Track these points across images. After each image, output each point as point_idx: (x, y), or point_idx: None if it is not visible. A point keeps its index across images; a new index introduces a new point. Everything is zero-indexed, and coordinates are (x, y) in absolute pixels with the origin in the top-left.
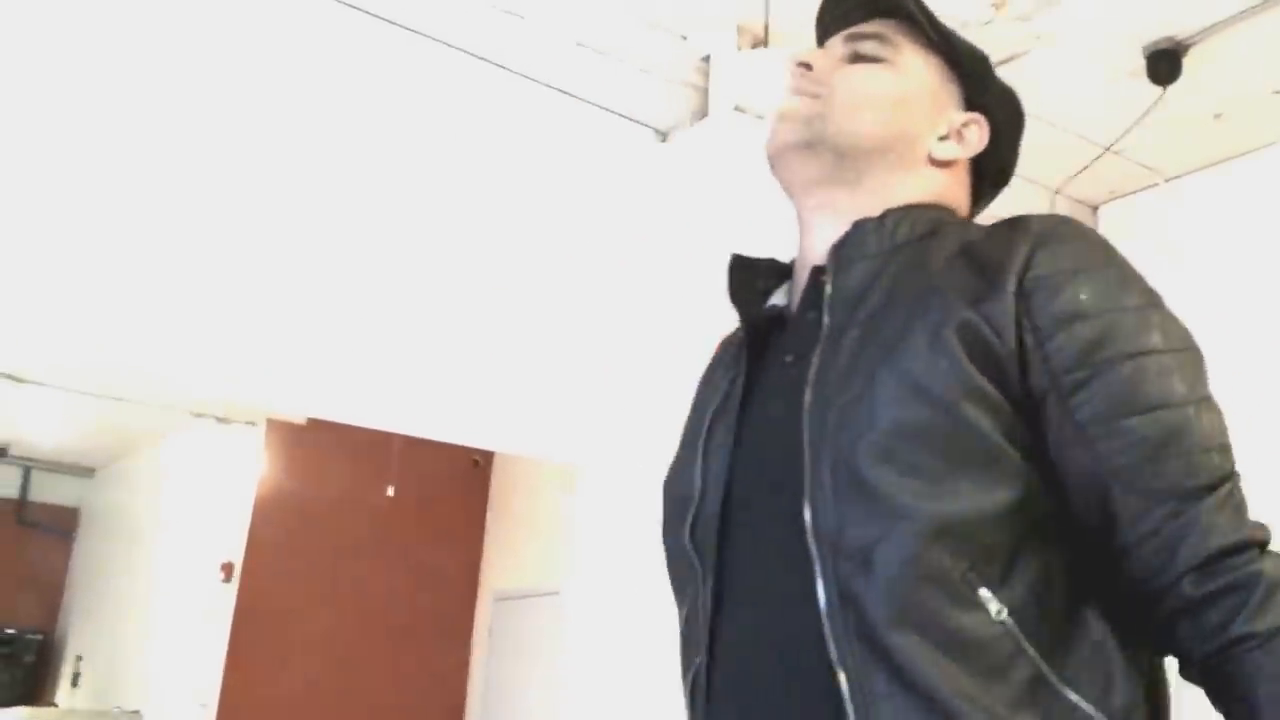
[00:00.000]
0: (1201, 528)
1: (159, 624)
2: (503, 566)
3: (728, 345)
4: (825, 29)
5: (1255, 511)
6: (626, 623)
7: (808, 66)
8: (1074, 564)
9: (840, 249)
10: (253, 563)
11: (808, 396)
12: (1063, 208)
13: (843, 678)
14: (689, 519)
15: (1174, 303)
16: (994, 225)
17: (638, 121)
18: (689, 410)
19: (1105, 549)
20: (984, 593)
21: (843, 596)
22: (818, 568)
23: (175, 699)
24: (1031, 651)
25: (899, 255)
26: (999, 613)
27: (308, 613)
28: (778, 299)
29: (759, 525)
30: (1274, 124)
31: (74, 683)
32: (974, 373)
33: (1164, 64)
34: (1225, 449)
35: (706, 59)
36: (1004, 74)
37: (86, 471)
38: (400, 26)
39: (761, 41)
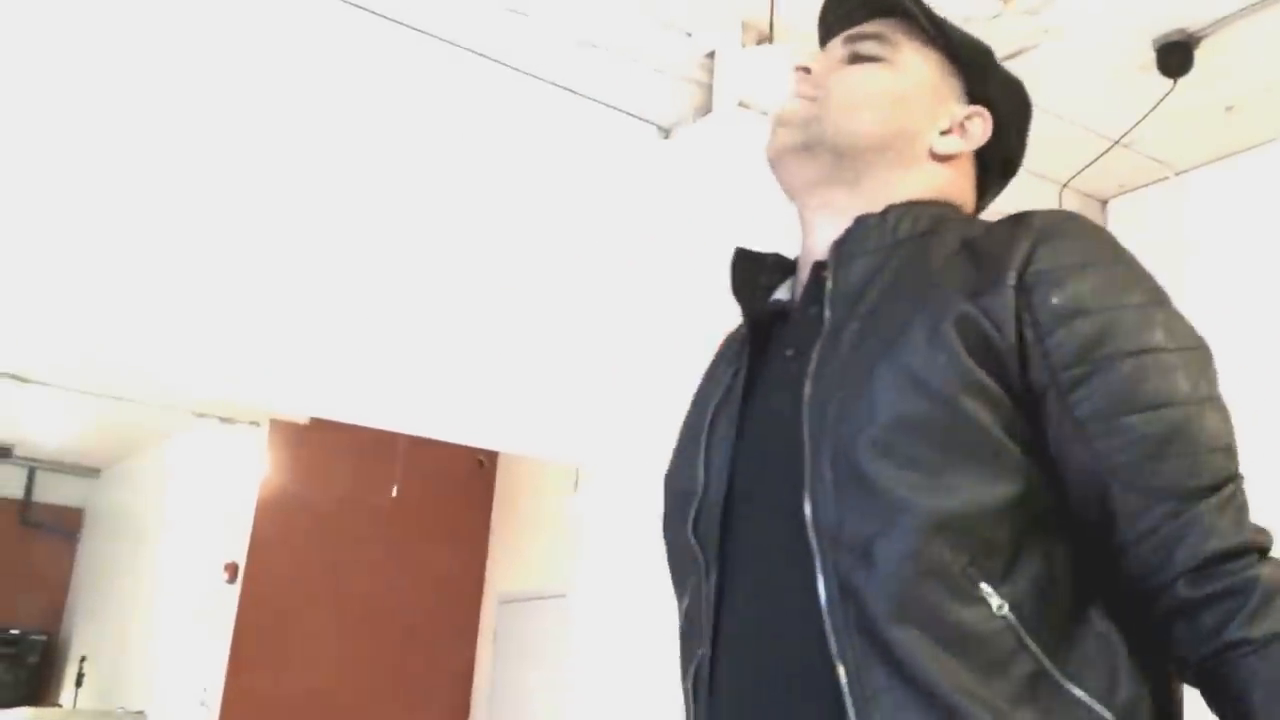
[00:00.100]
0: (1200, 529)
1: (163, 624)
2: (508, 569)
3: (731, 340)
4: (828, 30)
5: (1263, 510)
6: (633, 625)
7: (807, 70)
8: (1077, 559)
9: (842, 245)
10: (256, 563)
11: (808, 390)
12: (1071, 202)
13: (842, 671)
14: (692, 512)
15: (1184, 297)
16: (998, 221)
17: (641, 118)
18: (690, 404)
19: (1105, 545)
20: (985, 587)
21: (843, 590)
22: (818, 561)
23: (179, 699)
24: (1033, 647)
25: (900, 251)
26: (1000, 607)
27: (311, 613)
28: (781, 294)
29: (761, 518)
30: None
31: (78, 683)
32: (973, 366)
33: (1175, 56)
34: (1230, 450)
35: (711, 55)
36: (1012, 68)
37: (91, 472)
38: (404, 25)
39: (766, 38)
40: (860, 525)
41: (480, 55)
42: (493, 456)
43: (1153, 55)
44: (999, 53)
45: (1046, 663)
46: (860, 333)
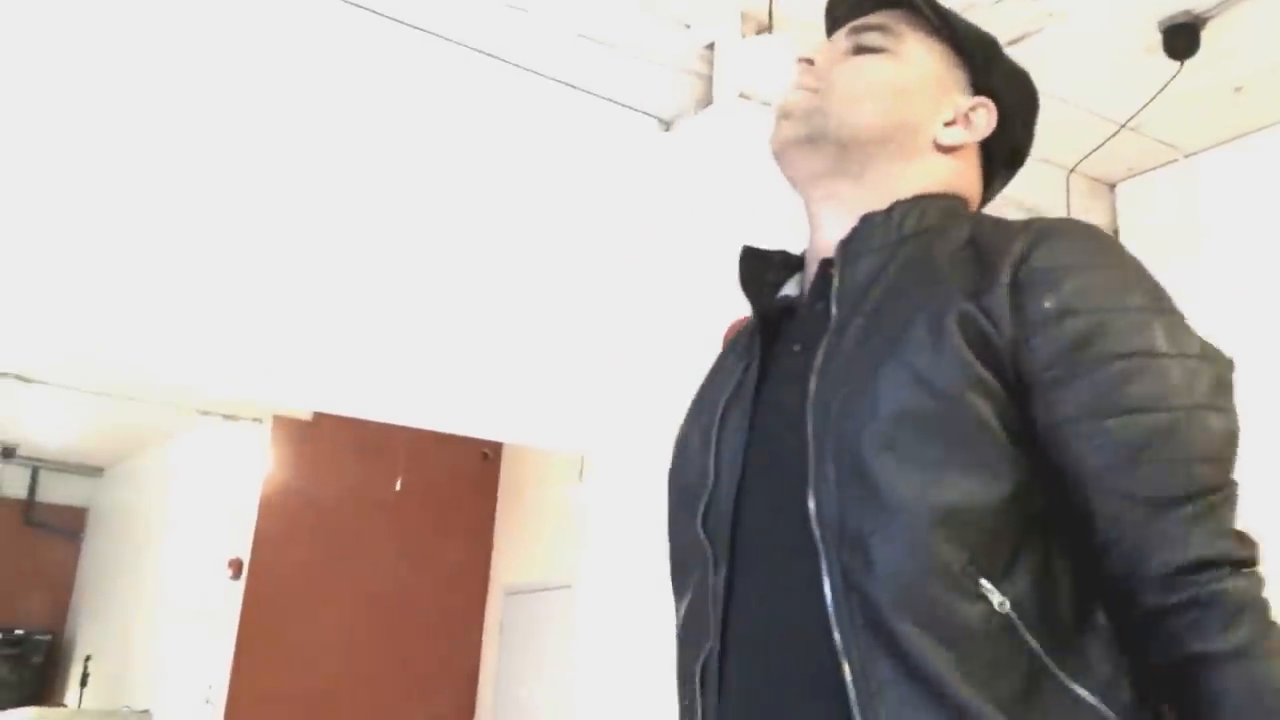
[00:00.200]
0: (1170, 539)
1: (167, 622)
2: (513, 560)
3: (741, 332)
4: (834, 22)
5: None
6: (639, 616)
7: (810, 62)
8: (1078, 558)
9: (849, 244)
10: (260, 560)
11: (812, 386)
12: (1079, 187)
13: (846, 667)
14: (701, 506)
15: (1199, 279)
16: (1005, 220)
17: (642, 111)
18: (695, 395)
19: (1089, 545)
20: (985, 584)
21: (847, 586)
22: (822, 557)
23: (185, 697)
24: (1035, 645)
25: (905, 247)
26: (1001, 605)
27: (316, 608)
28: (789, 289)
29: (768, 514)
30: None
31: (83, 682)
32: (974, 363)
33: (1181, 38)
34: (1217, 461)
35: (710, 46)
36: (1016, 53)
37: (94, 471)
38: (403, 24)
39: (766, 28)
40: (862, 521)
41: (480, 52)
42: (497, 448)
43: (1158, 37)
44: (1003, 37)
45: (1048, 661)
46: (864, 329)
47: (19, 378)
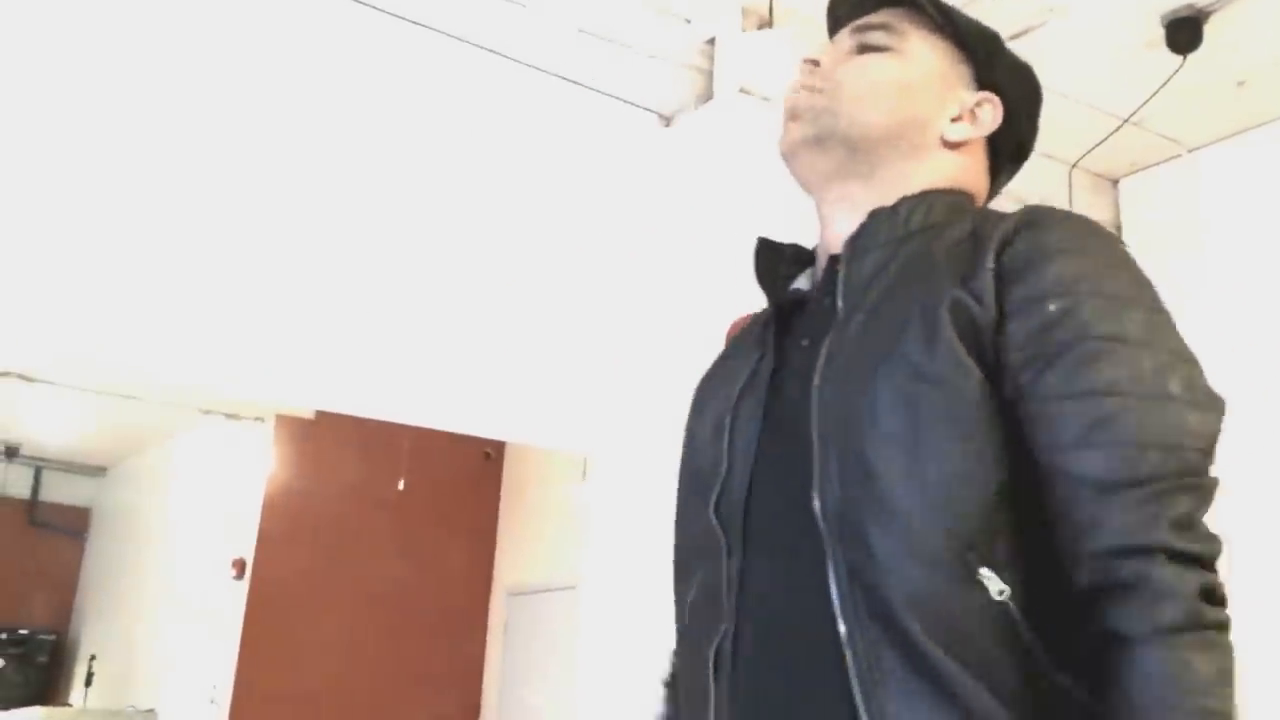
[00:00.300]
0: (1105, 522)
1: (171, 622)
2: (516, 561)
3: (752, 324)
4: (836, 22)
5: None
6: (643, 616)
7: (815, 63)
8: None
9: (856, 240)
10: (263, 559)
11: (816, 380)
12: (1081, 182)
13: (849, 656)
14: (714, 495)
15: (1204, 274)
16: (1006, 213)
17: (643, 107)
18: (701, 382)
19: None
20: (984, 572)
21: (851, 577)
22: (827, 547)
23: (189, 696)
24: (1030, 633)
25: (910, 242)
26: (1000, 593)
27: (319, 608)
28: (801, 283)
29: (779, 503)
30: None
31: (88, 682)
32: (967, 354)
33: (1184, 32)
34: (1173, 450)
35: (711, 42)
36: (1018, 48)
37: (97, 471)
38: (404, 19)
39: (766, 23)
40: (863, 515)
41: (480, 47)
42: (500, 448)
43: (1161, 31)
44: (1004, 32)
45: (1041, 649)
46: (865, 324)
47: (22, 377)
